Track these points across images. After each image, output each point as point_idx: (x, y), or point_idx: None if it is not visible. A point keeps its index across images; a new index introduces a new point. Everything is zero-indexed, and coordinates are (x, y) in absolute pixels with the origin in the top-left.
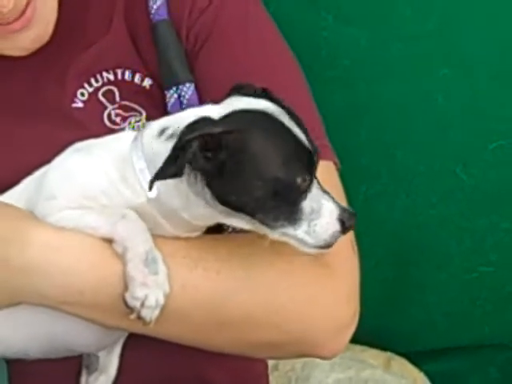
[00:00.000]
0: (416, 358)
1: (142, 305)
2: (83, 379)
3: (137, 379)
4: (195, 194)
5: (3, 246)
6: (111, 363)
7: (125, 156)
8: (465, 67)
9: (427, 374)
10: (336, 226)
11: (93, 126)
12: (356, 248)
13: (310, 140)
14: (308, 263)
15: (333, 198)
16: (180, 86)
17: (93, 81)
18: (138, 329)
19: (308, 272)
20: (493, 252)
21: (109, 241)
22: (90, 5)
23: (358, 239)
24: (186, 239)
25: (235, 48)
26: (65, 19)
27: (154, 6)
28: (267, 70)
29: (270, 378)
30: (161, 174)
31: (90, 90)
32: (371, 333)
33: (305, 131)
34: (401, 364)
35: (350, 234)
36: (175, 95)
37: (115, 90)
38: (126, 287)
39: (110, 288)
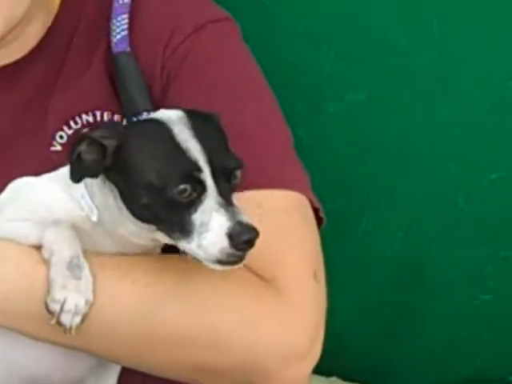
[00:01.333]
0: None
1: (62, 309)
2: None
3: None
4: (118, 208)
5: None
6: None
7: (67, 178)
8: (465, 99)
9: None
10: (224, 242)
11: None
12: (322, 277)
13: (221, 154)
14: (252, 286)
15: (232, 213)
16: (139, 117)
17: (72, 123)
18: (67, 341)
19: (249, 294)
20: (493, 280)
21: (38, 248)
22: (73, 41)
23: (358, 269)
24: (120, 255)
25: (203, 82)
26: (48, 55)
27: (115, 39)
28: (239, 108)
29: None
30: (71, 177)
31: (69, 132)
32: (364, 368)
33: (216, 145)
34: None
35: (316, 263)
36: None
37: None
38: (48, 291)
39: (34, 294)
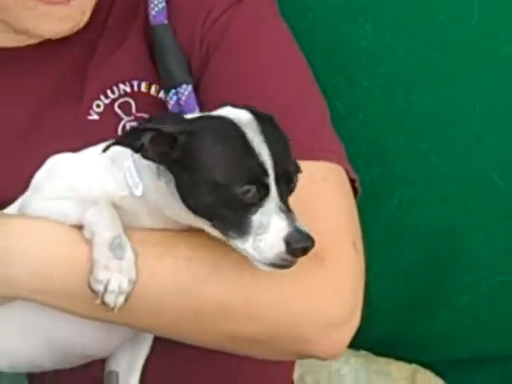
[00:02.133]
0: (442, 370)
1: (106, 289)
2: None
3: None
4: (171, 194)
5: None
6: (132, 381)
7: (113, 153)
8: (503, 75)
9: None
10: (281, 247)
11: (107, 139)
12: (360, 246)
13: (284, 158)
14: None
15: (291, 219)
16: (178, 88)
17: (109, 92)
18: (110, 318)
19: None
20: None
21: (80, 228)
22: (111, 12)
23: (391, 244)
24: (161, 230)
25: (243, 57)
26: (86, 26)
27: (153, 12)
28: (276, 80)
29: None
30: (116, 143)
31: (107, 101)
32: (397, 344)
33: (280, 149)
34: (426, 376)
35: (354, 233)
36: (174, 97)
37: (131, 101)
38: (91, 271)
39: (77, 273)
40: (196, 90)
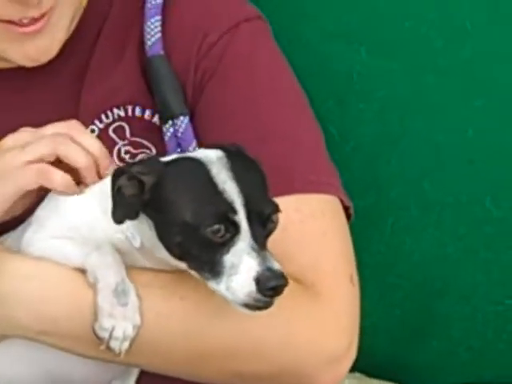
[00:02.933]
0: None
1: (110, 336)
2: None
3: None
4: (154, 236)
5: None
6: None
7: (109, 194)
8: (498, 99)
9: None
10: (251, 286)
11: None
12: (356, 281)
13: (257, 197)
14: (294, 293)
15: (263, 258)
16: (175, 120)
17: (103, 117)
18: (113, 360)
19: (291, 301)
20: None
21: (82, 271)
22: (101, 35)
23: (385, 270)
24: (166, 271)
25: (240, 84)
26: (76, 49)
27: (149, 42)
28: (271, 107)
29: None
30: (115, 218)
31: (101, 125)
32: (390, 366)
33: (253, 187)
34: None
35: (351, 266)
36: (171, 129)
37: (126, 126)
38: (96, 318)
39: (82, 317)
40: (191, 116)
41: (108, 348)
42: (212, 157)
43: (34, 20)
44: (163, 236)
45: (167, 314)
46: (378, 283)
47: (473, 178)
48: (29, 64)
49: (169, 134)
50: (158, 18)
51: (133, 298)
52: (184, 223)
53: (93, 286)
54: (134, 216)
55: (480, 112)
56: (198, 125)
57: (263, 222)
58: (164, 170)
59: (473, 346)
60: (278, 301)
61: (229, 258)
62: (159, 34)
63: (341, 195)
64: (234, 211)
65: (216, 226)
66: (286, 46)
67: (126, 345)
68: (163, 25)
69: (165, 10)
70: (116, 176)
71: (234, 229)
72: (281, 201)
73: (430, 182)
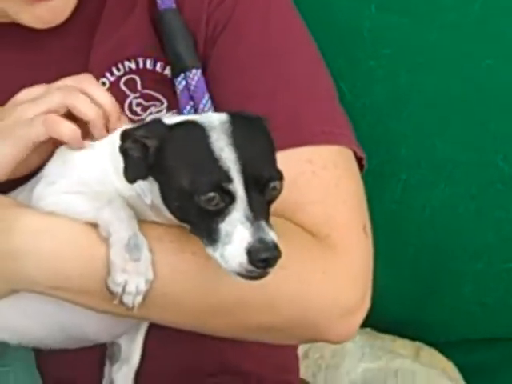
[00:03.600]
0: (445, 349)
1: (123, 290)
2: (106, 369)
3: (160, 368)
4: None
5: None
6: (134, 352)
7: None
8: (507, 57)
9: (457, 364)
10: (242, 257)
11: None
12: (369, 231)
13: (257, 164)
14: (307, 245)
15: (257, 228)
16: (187, 73)
17: (114, 69)
18: (129, 314)
19: (304, 254)
20: None
21: (95, 225)
22: None
23: (396, 227)
24: (176, 226)
25: (253, 36)
26: (87, 4)
27: None
28: (284, 59)
29: (300, 365)
30: (127, 178)
31: (112, 78)
32: (401, 323)
33: (254, 154)
34: (430, 354)
35: (364, 217)
36: (183, 82)
37: (137, 78)
38: (108, 272)
39: (95, 272)
40: (203, 69)
41: (121, 303)
42: (214, 122)
43: None
44: (165, 198)
45: (180, 269)
46: (390, 241)
47: (484, 136)
48: (42, 26)
49: (181, 86)
50: None
51: (145, 252)
52: (181, 189)
53: (105, 241)
54: (144, 176)
55: (490, 70)
56: (210, 78)
57: (262, 188)
58: (166, 134)
59: (485, 303)
60: (291, 253)
61: (224, 227)
62: None
63: (353, 146)
64: (229, 179)
65: (210, 194)
66: (295, 3)
67: (138, 299)
68: None
69: None
70: (123, 138)
71: (229, 197)
72: (293, 152)
73: (441, 140)
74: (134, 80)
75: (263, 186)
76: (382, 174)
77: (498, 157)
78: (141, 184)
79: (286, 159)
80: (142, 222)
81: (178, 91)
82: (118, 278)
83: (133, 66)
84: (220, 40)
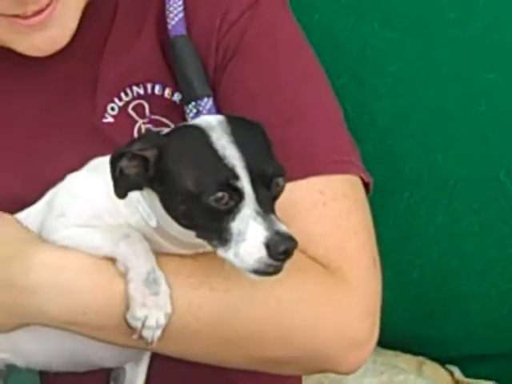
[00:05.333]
0: (449, 364)
1: (143, 325)
2: None
3: None
4: (161, 209)
5: (6, 267)
6: (138, 376)
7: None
8: (508, 72)
9: (460, 379)
10: (261, 251)
11: (122, 141)
12: (378, 263)
13: (260, 160)
14: (320, 278)
15: (269, 222)
16: (198, 101)
17: (123, 95)
18: (144, 347)
19: (318, 287)
20: None
21: (112, 260)
22: (118, 13)
23: (400, 244)
24: (193, 257)
25: (263, 62)
26: (92, 27)
27: (172, 22)
28: (294, 85)
29: (304, 382)
30: (116, 192)
31: (120, 104)
32: (405, 339)
33: (255, 151)
34: (433, 368)
35: (373, 250)
36: (194, 110)
37: (145, 104)
38: (127, 307)
39: (112, 308)
40: (213, 95)
41: (140, 337)
42: (212, 122)
43: (38, 12)
44: (168, 207)
45: (197, 303)
46: (394, 258)
47: (486, 151)
48: (39, 55)
49: (192, 114)
50: None
51: (164, 286)
52: (187, 192)
53: (123, 275)
54: (137, 189)
55: (492, 85)
56: (220, 104)
57: (267, 184)
58: (164, 141)
59: (489, 322)
60: (306, 285)
61: (235, 225)
62: (182, 14)
63: (361, 173)
64: (236, 177)
65: (219, 194)
66: (298, 21)
67: (158, 333)
68: (183, 3)
69: None
70: (115, 159)
71: (238, 195)
72: (305, 183)
73: (443, 156)
74: (142, 105)
75: (269, 182)
76: (386, 191)
77: (500, 172)
78: (143, 206)
79: (298, 189)
80: (157, 255)
81: (189, 119)
82: (138, 313)
83: (141, 91)
84: (230, 67)
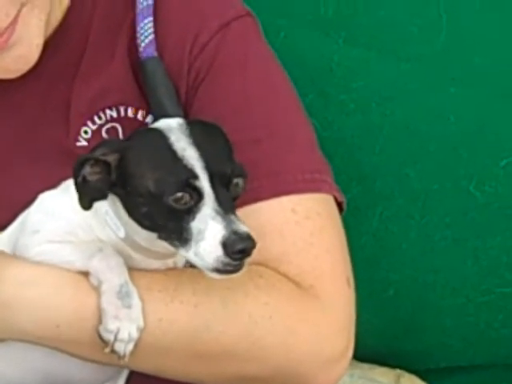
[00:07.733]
0: (426, 375)
1: (115, 338)
2: None
3: None
4: (125, 215)
5: None
6: None
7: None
8: (474, 85)
9: None
10: (218, 250)
11: None
12: (352, 280)
13: (219, 160)
14: (293, 295)
15: (228, 221)
16: None
17: (96, 118)
18: (116, 363)
19: (291, 305)
20: (509, 271)
21: (85, 274)
22: (90, 34)
23: (375, 262)
24: (165, 272)
25: (233, 84)
26: (65, 48)
27: (143, 44)
28: (264, 106)
29: None
30: (81, 203)
31: (94, 127)
32: (382, 352)
33: (214, 152)
34: (411, 381)
35: (347, 268)
36: None
37: (118, 126)
38: (100, 320)
39: (85, 321)
40: (185, 117)
41: (112, 351)
42: (171, 124)
43: None
44: (131, 209)
45: (168, 318)
46: (369, 276)
47: (456, 164)
48: (10, 76)
49: None
50: (151, 18)
51: (136, 299)
52: (148, 193)
53: (96, 289)
54: (100, 198)
55: (459, 98)
56: None
57: (226, 184)
58: (125, 144)
59: (465, 336)
60: (278, 303)
61: (195, 225)
62: (152, 36)
63: (334, 192)
64: (196, 177)
65: (179, 194)
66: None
67: (130, 347)
68: (154, 25)
69: (155, 8)
70: (78, 166)
71: (197, 194)
72: (276, 202)
73: (414, 170)
74: (115, 128)
75: (228, 182)
76: (358, 208)
77: (470, 184)
78: (111, 216)
79: (269, 209)
80: (130, 270)
81: None
82: (111, 325)
83: (114, 114)
84: (201, 88)
